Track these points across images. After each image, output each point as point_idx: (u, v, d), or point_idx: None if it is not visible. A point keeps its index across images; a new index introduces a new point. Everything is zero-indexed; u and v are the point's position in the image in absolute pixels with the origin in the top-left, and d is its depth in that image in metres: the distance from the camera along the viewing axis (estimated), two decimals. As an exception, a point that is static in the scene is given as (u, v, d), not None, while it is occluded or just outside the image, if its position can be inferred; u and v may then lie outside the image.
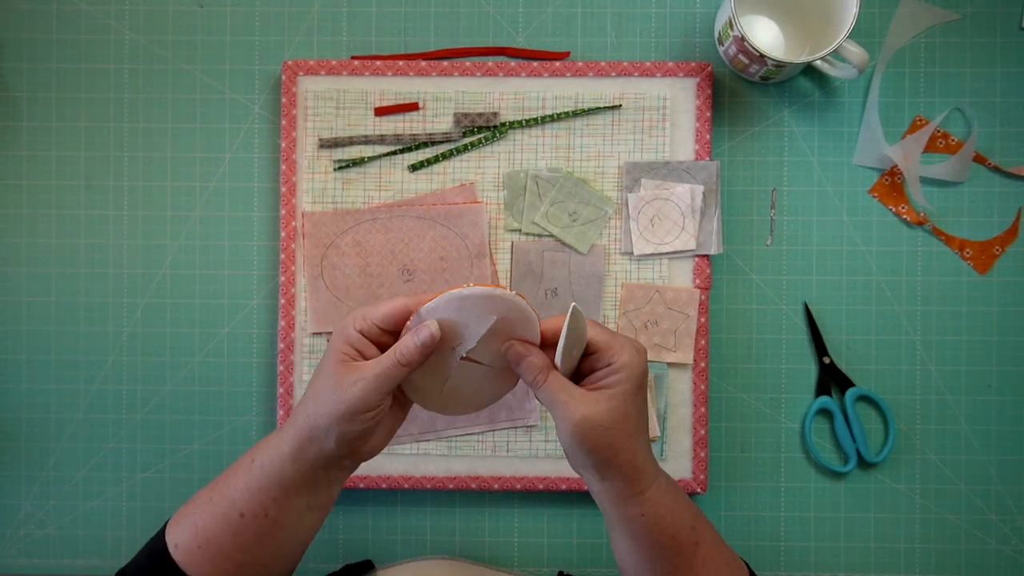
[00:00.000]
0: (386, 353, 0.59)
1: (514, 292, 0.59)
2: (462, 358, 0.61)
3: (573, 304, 0.58)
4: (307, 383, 0.81)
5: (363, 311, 0.60)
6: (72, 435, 0.85)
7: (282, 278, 0.83)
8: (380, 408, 0.59)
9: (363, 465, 0.81)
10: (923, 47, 0.84)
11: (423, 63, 0.83)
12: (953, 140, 0.84)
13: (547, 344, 0.61)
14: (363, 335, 0.60)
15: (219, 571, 0.61)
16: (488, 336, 0.60)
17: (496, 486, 0.83)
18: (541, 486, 0.82)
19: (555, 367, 0.60)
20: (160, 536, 0.63)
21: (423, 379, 0.62)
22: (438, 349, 0.60)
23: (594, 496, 0.62)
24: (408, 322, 0.60)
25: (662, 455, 0.82)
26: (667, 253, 0.82)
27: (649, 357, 0.82)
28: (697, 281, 0.82)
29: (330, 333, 0.82)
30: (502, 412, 0.82)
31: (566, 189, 0.82)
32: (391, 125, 0.83)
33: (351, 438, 0.59)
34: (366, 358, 0.59)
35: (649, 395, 0.81)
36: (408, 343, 0.58)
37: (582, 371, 0.62)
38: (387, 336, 0.61)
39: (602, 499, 0.61)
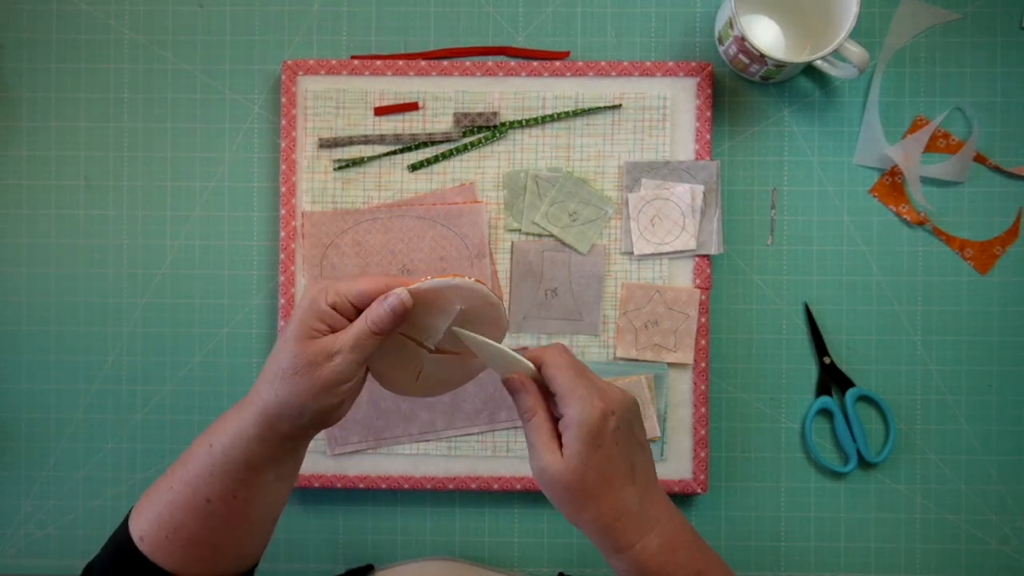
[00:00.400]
0: (355, 323, 0.57)
1: (472, 279, 0.58)
2: (432, 350, 0.61)
3: (458, 307, 0.57)
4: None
5: (335, 286, 0.58)
6: (72, 435, 0.85)
7: (282, 278, 0.83)
8: (358, 378, 0.58)
9: (363, 465, 0.82)
10: (923, 47, 0.84)
11: (423, 63, 0.83)
12: (953, 140, 0.84)
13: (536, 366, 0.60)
14: (335, 309, 0.58)
15: (191, 557, 0.60)
16: (454, 325, 0.59)
17: (496, 486, 0.82)
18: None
19: (544, 408, 0.59)
20: (124, 528, 0.62)
21: (397, 373, 0.62)
22: (406, 345, 0.60)
23: None
24: None
25: (662, 455, 0.82)
26: (667, 253, 0.82)
27: (649, 357, 0.82)
28: (697, 281, 0.82)
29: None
30: (502, 412, 0.82)
31: (566, 189, 0.82)
32: (391, 125, 0.83)
33: (326, 411, 0.58)
34: (334, 331, 0.58)
35: (649, 395, 0.81)
36: (379, 310, 0.57)
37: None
38: (359, 314, 0.59)
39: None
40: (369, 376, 0.62)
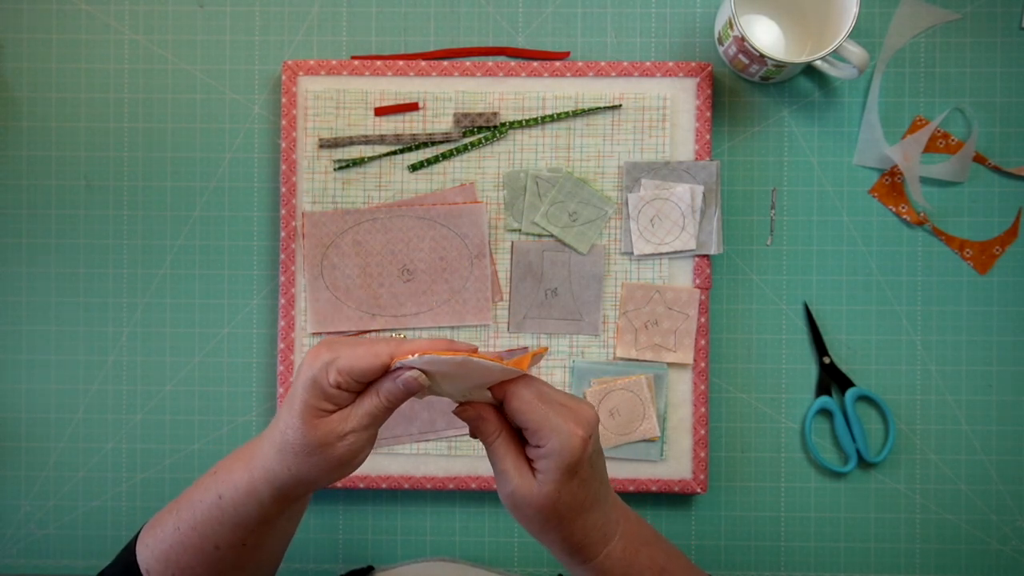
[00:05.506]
0: (365, 400, 0.56)
1: (419, 356, 0.55)
2: (458, 404, 0.60)
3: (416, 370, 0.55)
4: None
5: (336, 363, 0.55)
6: (72, 435, 0.85)
7: (282, 278, 0.83)
8: (372, 446, 0.58)
9: (363, 465, 0.82)
10: (923, 47, 0.84)
11: (423, 63, 0.83)
12: (953, 140, 0.84)
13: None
14: (341, 389, 0.56)
15: None
16: (459, 380, 0.58)
17: (496, 486, 0.82)
18: (541, 486, 0.82)
19: (506, 430, 0.58)
20: (131, 554, 0.62)
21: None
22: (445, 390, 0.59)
23: None
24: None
25: (662, 455, 0.82)
26: (667, 253, 0.82)
27: (649, 357, 0.82)
28: (697, 281, 0.82)
29: (330, 334, 0.82)
30: (502, 412, 0.82)
31: (566, 189, 0.82)
32: (391, 125, 0.83)
33: (343, 475, 0.59)
34: (341, 407, 0.57)
35: (649, 395, 0.81)
36: (392, 387, 0.56)
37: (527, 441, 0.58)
38: (364, 386, 0.58)
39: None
40: None
